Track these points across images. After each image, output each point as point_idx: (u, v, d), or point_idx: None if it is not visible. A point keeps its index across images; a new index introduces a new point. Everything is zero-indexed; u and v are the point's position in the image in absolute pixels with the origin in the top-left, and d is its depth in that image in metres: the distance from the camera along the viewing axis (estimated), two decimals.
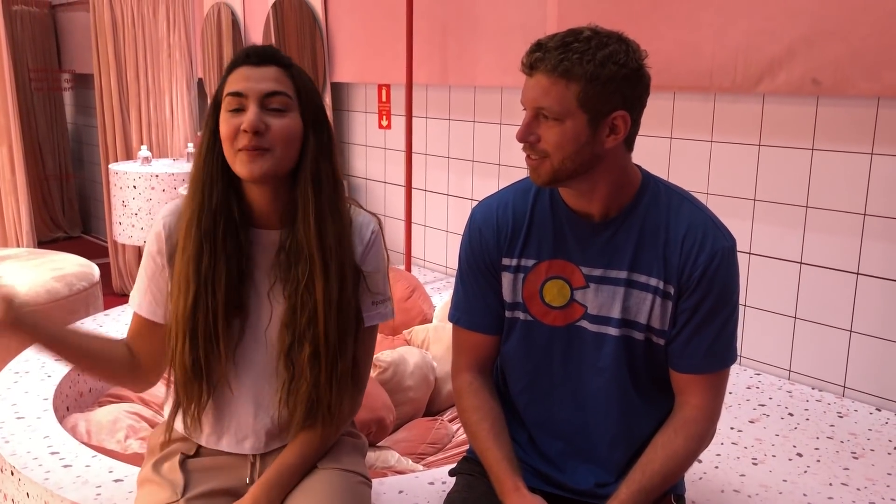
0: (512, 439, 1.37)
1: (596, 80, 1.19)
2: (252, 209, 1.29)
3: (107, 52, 4.43)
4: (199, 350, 1.26)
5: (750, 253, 2.20)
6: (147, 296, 1.33)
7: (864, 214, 1.97)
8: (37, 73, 5.74)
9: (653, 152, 2.35)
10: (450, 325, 1.45)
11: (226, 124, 1.22)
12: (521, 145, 1.27)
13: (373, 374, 1.99)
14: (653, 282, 1.29)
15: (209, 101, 1.32)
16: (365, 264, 1.35)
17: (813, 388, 2.12)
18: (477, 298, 1.41)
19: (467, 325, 1.43)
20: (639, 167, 1.35)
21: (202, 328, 1.25)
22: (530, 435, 1.41)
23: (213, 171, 1.25)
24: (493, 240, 1.38)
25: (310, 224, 1.26)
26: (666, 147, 2.35)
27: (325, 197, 1.27)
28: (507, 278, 1.38)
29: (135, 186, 3.86)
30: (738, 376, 2.18)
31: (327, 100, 3.58)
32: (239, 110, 1.22)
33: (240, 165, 1.22)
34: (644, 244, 1.30)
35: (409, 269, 3.05)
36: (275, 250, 1.30)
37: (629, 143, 1.29)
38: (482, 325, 1.42)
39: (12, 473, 1.65)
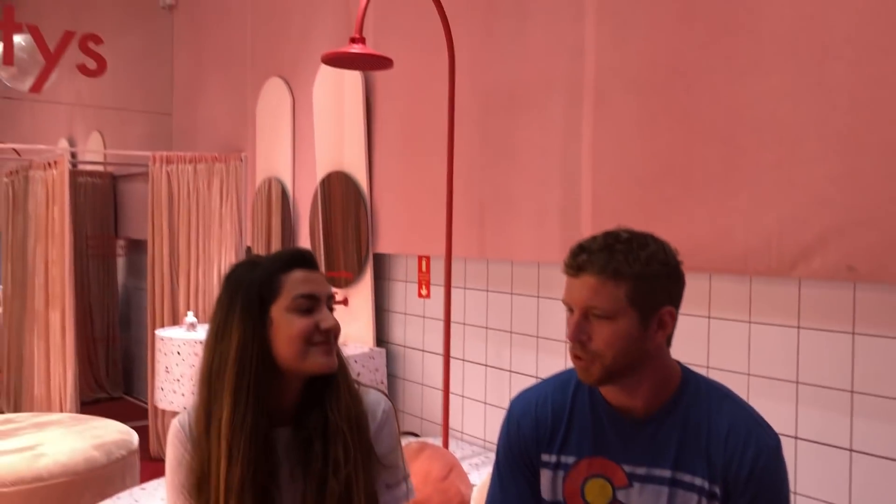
0: None
1: (643, 279, 1.24)
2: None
3: (161, 220, 4.66)
4: None
5: (796, 438, 2.14)
6: None
7: None
8: (94, 240, 6.02)
9: (691, 332, 2.35)
10: None
11: (300, 324, 1.28)
12: (565, 334, 1.30)
13: None
14: (698, 481, 1.27)
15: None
16: (378, 445, 1.36)
17: None
18: (513, 495, 1.39)
19: None
20: (678, 362, 1.36)
21: None
22: None
23: (274, 370, 1.29)
24: (532, 434, 1.38)
25: (341, 409, 1.31)
26: (704, 327, 2.35)
27: (350, 380, 1.36)
28: (546, 475, 1.36)
29: (178, 353, 3.93)
30: None
31: (369, 269, 3.68)
32: (309, 310, 1.29)
33: (317, 360, 1.28)
34: (687, 442, 1.29)
35: (446, 441, 3.00)
36: (287, 431, 1.32)
37: (669, 340, 1.31)
38: None
39: None
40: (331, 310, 1.33)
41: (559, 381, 1.42)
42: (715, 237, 2.23)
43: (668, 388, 1.32)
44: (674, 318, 1.28)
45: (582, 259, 1.26)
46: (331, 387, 1.32)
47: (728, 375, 2.26)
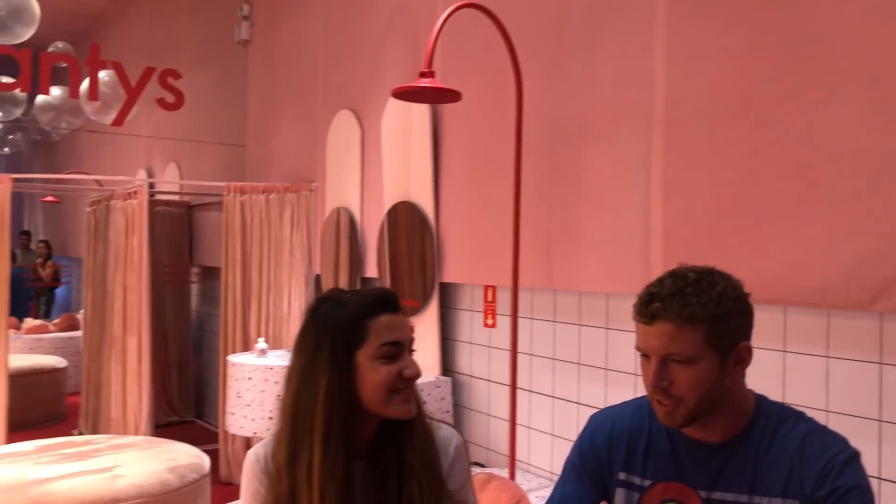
0: None
1: (718, 319, 1.25)
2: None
3: (235, 249, 4.79)
4: None
5: (880, 478, 2.06)
6: None
7: None
8: (170, 268, 6.22)
9: (765, 366, 2.30)
10: None
11: (384, 371, 1.29)
12: (634, 369, 1.31)
13: None
14: (776, 502, 1.26)
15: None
16: (450, 481, 1.37)
17: None
18: (573, 499, 1.40)
19: None
20: (752, 392, 1.36)
21: None
22: None
23: (356, 410, 1.30)
24: (605, 449, 1.39)
25: (415, 447, 1.33)
26: (779, 361, 2.29)
27: (424, 418, 1.38)
28: (620, 495, 1.37)
29: (250, 378, 4.02)
30: None
31: (435, 298, 3.71)
32: (393, 357, 1.31)
33: (397, 407, 1.30)
34: (762, 465, 1.29)
35: (512, 473, 2.98)
36: (362, 466, 1.34)
37: (744, 372, 1.32)
38: None
39: None
40: (411, 353, 1.35)
41: (638, 405, 1.42)
42: (790, 269, 2.18)
43: (744, 417, 1.33)
44: (750, 352, 1.29)
45: (655, 307, 1.26)
46: (406, 425, 1.34)
47: (805, 411, 2.19)
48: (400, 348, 1.32)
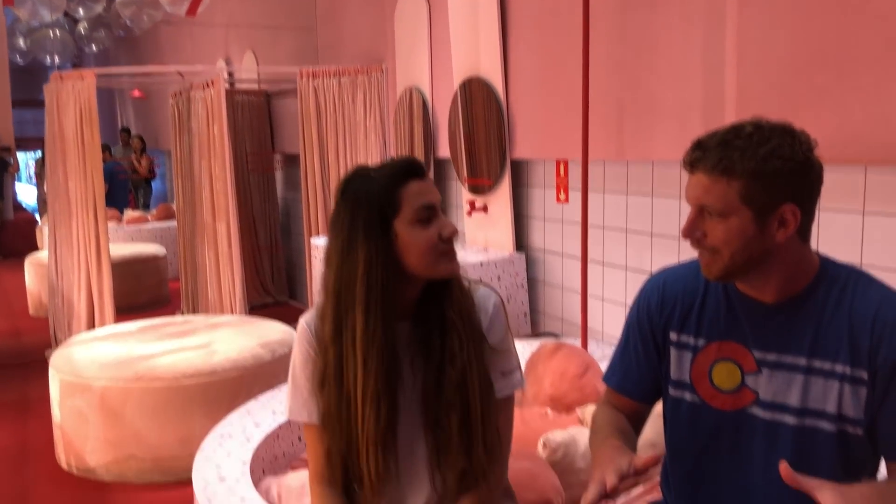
0: None
1: (758, 176, 1.19)
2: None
3: (311, 134, 4.86)
4: (388, 426, 1.35)
5: None
6: (318, 401, 1.40)
7: None
8: (254, 156, 6.38)
9: (843, 228, 2.22)
10: None
11: (425, 234, 1.33)
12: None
13: (543, 454, 2.00)
14: (839, 368, 1.24)
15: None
16: (490, 335, 1.43)
17: None
18: (631, 363, 1.44)
19: (616, 386, 1.47)
20: (818, 254, 1.31)
21: (385, 409, 1.35)
22: None
23: (400, 276, 1.35)
24: (657, 311, 1.40)
25: (454, 304, 1.38)
26: (857, 223, 2.21)
27: (461, 278, 1.43)
28: (674, 354, 1.38)
29: None
30: None
31: (507, 175, 3.70)
32: (429, 220, 1.34)
33: (444, 265, 1.35)
34: (824, 329, 1.25)
35: (584, 342, 3.04)
36: (407, 325, 1.40)
37: (803, 235, 1.26)
38: (631, 390, 1.45)
39: None
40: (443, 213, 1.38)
41: (695, 265, 1.40)
42: (871, 126, 2.07)
43: (803, 279, 1.28)
44: (797, 217, 1.21)
45: (696, 156, 1.23)
46: (447, 284, 1.38)
47: (886, 275, 2.13)
48: (434, 211, 1.35)
